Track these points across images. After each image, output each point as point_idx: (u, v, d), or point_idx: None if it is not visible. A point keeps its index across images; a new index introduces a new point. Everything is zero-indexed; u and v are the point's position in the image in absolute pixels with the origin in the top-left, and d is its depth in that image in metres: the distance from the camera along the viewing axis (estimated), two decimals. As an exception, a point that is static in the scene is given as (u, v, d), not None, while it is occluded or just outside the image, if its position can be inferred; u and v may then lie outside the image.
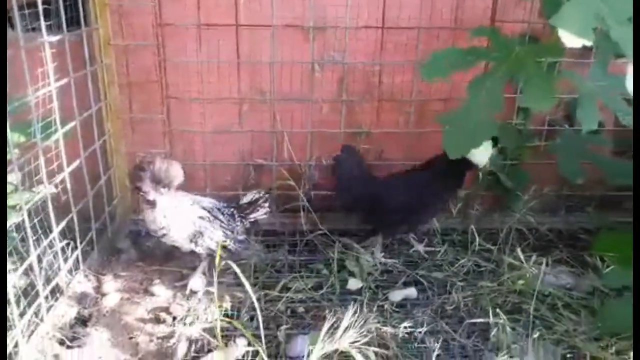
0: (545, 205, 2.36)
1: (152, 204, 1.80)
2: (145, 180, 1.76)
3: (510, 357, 1.59)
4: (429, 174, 2.06)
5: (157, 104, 2.20)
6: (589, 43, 1.43)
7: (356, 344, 1.45)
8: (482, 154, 1.98)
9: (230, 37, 2.13)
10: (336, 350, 1.45)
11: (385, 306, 1.85)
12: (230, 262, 1.50)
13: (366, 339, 1.48)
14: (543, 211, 2.34)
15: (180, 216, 1.86)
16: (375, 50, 2.18)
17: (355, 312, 1.49)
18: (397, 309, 1.85)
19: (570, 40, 1.42)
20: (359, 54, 2.18)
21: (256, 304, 1.53)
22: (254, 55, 2.15)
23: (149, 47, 2.11)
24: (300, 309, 1.86)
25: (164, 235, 1.87)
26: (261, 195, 2.09)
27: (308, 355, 1.44)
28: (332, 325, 1.46)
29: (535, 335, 1.66)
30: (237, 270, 1.47)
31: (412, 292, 1.94)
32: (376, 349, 1.50)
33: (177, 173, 1.81)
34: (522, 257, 1.89)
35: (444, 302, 1.88)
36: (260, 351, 1.52)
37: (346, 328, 1.44)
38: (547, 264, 1.92)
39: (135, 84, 2.18)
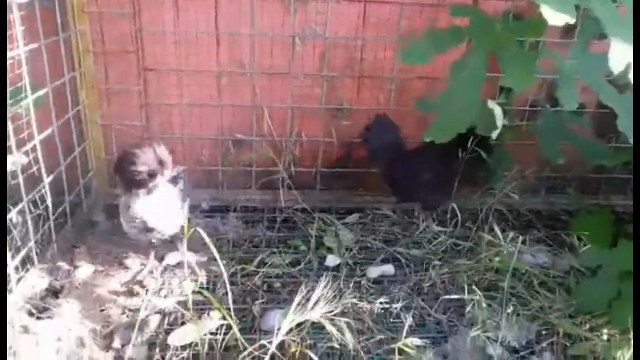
0: (526, 186, 2.36)
1: (150, 189, 1.69)
2: (146, 163, 1.64)
3: (484, 331, 1.59)
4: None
5: (133, 75, 2.14)
6: (571, 20, 1.41)
7: (328, 315, 1.44)
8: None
9: (209, 7, 2.07)
10: (307, 321, 1.44)
11: (362, 282, 1.84)
12: (203, 233, 1.46)
13: (338, 311, 1.47)
14: (524, 192, 2.34)
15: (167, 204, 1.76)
16: (358, 25, 2.14)
17: (327, 284, 1.48)
18: (373, 285, 1.85)
19: (553, 16, 1.39)
20: (340, 28, 2.14)
21: (226, 278, 1.50)
22: (233, 27, 2.10)
23: (126, 16, 2.05)
24: (277, 284, 1.85)
25: (150, 229, 1.74)
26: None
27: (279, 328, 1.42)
28: (304, 297, 1.45)
29: (509, 311, 1.66)
30: (208, 241, 1.44)
31: (389, 268, 1.93)
32: (349, 320, 1.49)
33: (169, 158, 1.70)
34: (499, 234, 1.89)
35: (421, 279, 1.88)
36: (233, 324, 1.50)
37: (317, 300, 1.43)
38: (524, 243, 1.92)
39: (111, 53, 2.11)
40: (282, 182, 2.23)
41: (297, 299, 1.43)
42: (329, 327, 1.40)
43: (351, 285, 1.81)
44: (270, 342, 1.44)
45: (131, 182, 1.67)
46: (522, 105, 2.26)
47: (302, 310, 1.42)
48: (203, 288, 1.77)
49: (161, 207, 1.73)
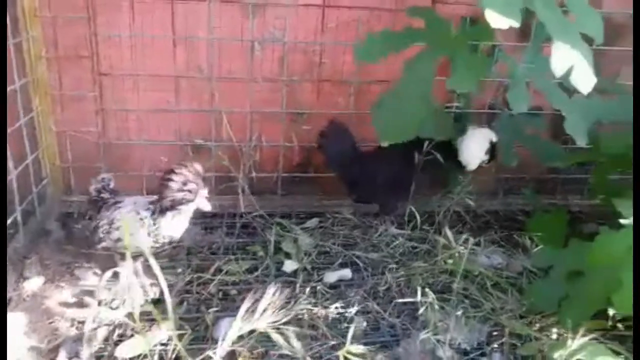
0: (484, 188, 2.40)
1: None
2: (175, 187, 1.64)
3: (435, 334, 1.60)
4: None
5: (88, 80, 2.10)
6: (515, 24, 1.43)
7: (276, 324, 1.43)
8: (473, 155, 2.05)
9: (165, 11, 2.05)
10: (254, 331, 1.43)
11: (319, 287, 1.84)
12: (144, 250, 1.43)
13: (286, 319, 1.46)
14: (482, 193, 2.37)
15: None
16: (317, 29, 2.14)
17: (275, 292, 1.47)
18: (330, 290, 1.84)
19: (497, 20, 1.41)
20: (299, 33, 2.13)
21: (163, 288, 1.46)
22: (190, 31, 2.08)
23: (80, 20, 2.01)
24: (233, 292, 1.83)
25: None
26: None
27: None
28: (252, 306, 1.44)
29: (460, 313, 1.68)
30: (147, 252, 1.40)
31: (346, 273, 1.93)
32: (296, 329, 1.49)
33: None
34: (450, 236, 1.90)
35: (378, 283, 1.88)
36: (174, 338, 1.47)
37: (265, 308, 1.42)
38: (479, 245, 1.94)
39: (65, 58, 2.07)
40: (242, 187, 2.22)
41: (244, 307, 1.42)
42: (275, 336, 1.39)
43: (307, 290, 1.81)
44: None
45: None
46: (481, 108, 2.29)
47: (249, 319, 1.40)
48: (155, 298, 1.75)
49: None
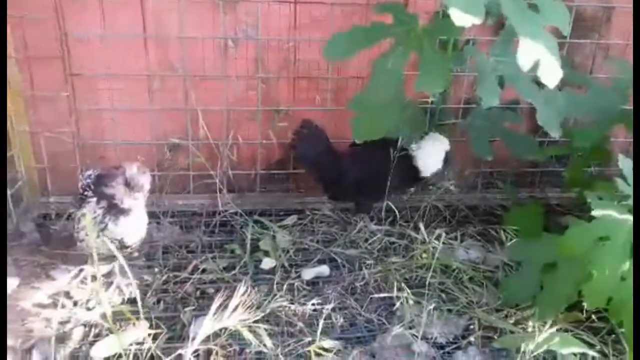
0: (463, 182, 2.41)
1: (125, 212, 1.68)
2: (117, 187, 1.65)
3: (411, 328, 1.61)
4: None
5: (60, 80, 2.08)
6: (478, 21, 1.43)
7: (247, 321, 1.43)
8: (430, 162, 2.05)
9: (135, 10, 2.03)
10: (225, 329, 1.43)
11: (296, 284, 1.84)
12: (108, 243, 1.42)
13: (262, 317, 1.46)
14: (461, 188, 2.38)
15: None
16: (290, 25, 2.13)
17: (246, 291, 1.47)
18: (308, 287, 1.84)
19: (460, 18, 1.41)
20: (273, 30, 2.12)
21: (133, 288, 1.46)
22: (162, 30, 2.06)
23: (49, 20, 1.99)
24: (210, 290, 1.82)
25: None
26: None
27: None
28: (223, 304, 1.43)
29: (434, 307, 1.68)
30: (115, 250, 1.40)
31: (324, 269, 1.93)
32: (272, 326, 1.49)
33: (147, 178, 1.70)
34: (424, 231, 1.91)
35: (355, 279, 1.89)
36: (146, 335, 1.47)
37: (236, 306, 1.41)
38: (456, 239, 1.95)
39: (36, 59, 2.05)
40: (220, 185, 2.21)
41: (215, 305, 1.41)
42: (247, 333, 1.39)
43: (284, 287, 1.81)
44: (196, 350, 1.43)
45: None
46: (457, 103, 2.29)
47: (220, 317, 1.40)
48: (132, 298, 1.74)
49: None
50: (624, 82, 1.93)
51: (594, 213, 1.50)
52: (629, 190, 1.56)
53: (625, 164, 1.56)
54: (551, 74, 1.47)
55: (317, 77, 2.21)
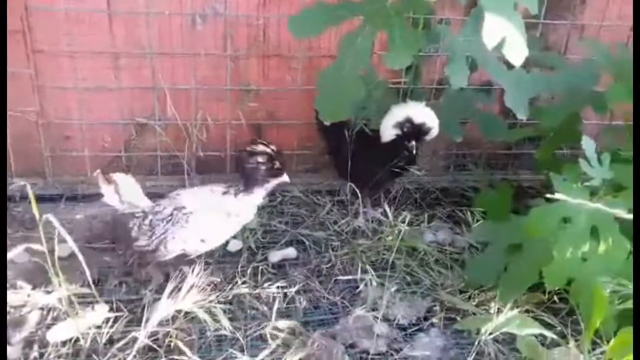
0: (435, 164, 2.39)
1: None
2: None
3: (373, 310, 1.60)
4: None
5: (22, 57, 2.01)
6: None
7: (204, 303, 1.41)
8: (385, 126, 1.95)
9: (99, -16, 1.96)
10: (180, 311, 1.41)
11: (260, 267, 1.82)
12: (56, 223, 1.38)
13: (216, 299, 1.45)
14: (433, 170, 2.37)
15: None
16: (259, 2, 2.08)
17: (199, 271, 1.45)
18: (273, 270, 1.83)
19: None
20: (241, 6, 2.07)
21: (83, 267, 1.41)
22: (127, 5, 2.00)
23: (8, -7, 1.92)
24: (174, 273, 1.80)
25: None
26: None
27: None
28: (177, 286, 1.42)
29: (396, 289, 1.68)
30: (63, 232, 1.36)
31: (291, 252, 1.92)
32: (230, 309, 1.47)
33: None
34: (389, 213, 1.90)
35: (322, 261, 1.88)
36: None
37: (190, 288, 1.40)
38: (422, 222, 1.94)
39: (-5, 34, 1.98)
40: (189, 167, 2.17)
41: (169, 288, 1.39)
42: (202, 315, 1.38)
43: (249, 271, 1.79)
44: (155, 333, 1.42)
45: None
46: (430, 84, 2.26)
47: (174, 300, 1.38)
48: (93, 281, 1.71)
49: None
50: (596, 63, 1.91)
51: (556, 195, 1.49)
52: (592, 172, 1.56)
53: (588, 144, 1.55)
54: (517, 52, 1.45)
55: (287, 55, 2.17)
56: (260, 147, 1.67)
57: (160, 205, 1.67)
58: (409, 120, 1.88)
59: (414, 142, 1.91)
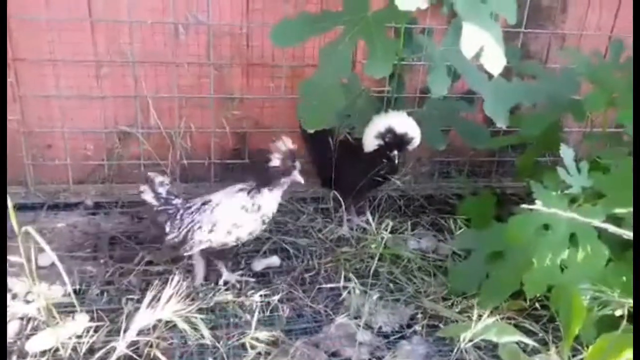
0: (419, 172, 2.41)
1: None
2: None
3: (356, 318, 1.60)
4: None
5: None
6: (423, 5, 1.41)
7: (184, 312, 1.40)
8: (367, 136, 1.93)
9: (80, -8, 1.96)
10: (160, 320, 1.40)
11: (244, 277, 1.81)
12: (35, 234, 1.37)
13: (196, 307, 1.44)
14: (417, 177, 2.38)
15: None
16: (242, 11, 2.09)
17: (179, 281, 1.44)
18: (257, 278, 1.82)
19: (403, 2, 1.39)
20: (224, 15, 2.08)
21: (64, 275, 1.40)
22: (109, 14, 2.00)
23: (-11, 2, 1.91)
24: (156, 282, 1.79)
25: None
26: None
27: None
28: (156, 295, 1.41)
29: (379, 297, 1.69)
30: (44, 244, 1.35)
31: (274, 260, 1.91)
32: (212, 318, 1.47)
33: None
34: (371, 221, 1.90)
35: (306, 269, 1.87)
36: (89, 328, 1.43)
37: (169, 297, 1.39)
38: (406, 230, 1.94)
39: (-24, 42, 1.97)
40: (172, 175, 2.17)
41: (149, 297, 1.38)
42: (181, 324, 1.37)
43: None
44: (135, 343, 1.40)
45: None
46: (413, 92, 2.28)
47: (154, 309, 1.37)
48: (75, 290, 1.70)
49: None
50: (575, 72, 1.94)
51: (536, 203, 1.50)
52: (570, 179, 1.58)
53: (566, 153, 1.57)
54: (495, 61, 1.47)
55: (271, 64, 2.18)
56: (282, 145, 1.67)
57: (192, 201, 1.73)
58: (390, 131, 1.87)
59: (396, 152, 1.90)
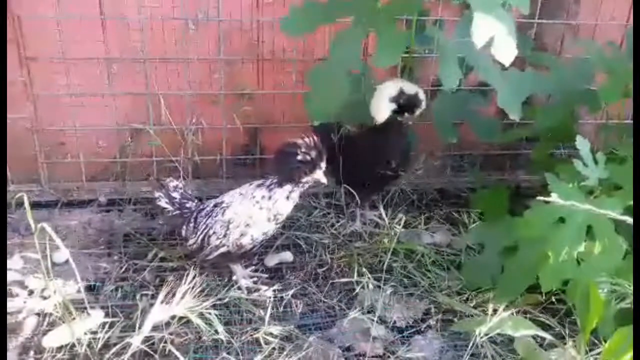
0: (433, 166, 2.39)
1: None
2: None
3: (369, 313, 1.60)
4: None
5: (15, 65, 2.01)
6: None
7: (199, 308, 1.40)
8: (378, 104, 1.85)
9: (91, -10, 1.97)
10: (174, 316, 1.40)
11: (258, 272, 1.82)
12: (49, 230, 1.38)
13: (210, 303, 1.44)
14: (430, 171, 2.37)
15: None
16: (252, 6, 2.08)
17: (194, 277, 1.44)
18: (270, 274, 1.82)
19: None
20: (235, 11, 2.07)
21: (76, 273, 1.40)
22: (119, 11, 2.00)
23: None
24: (170, 278, 1.80)
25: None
26: None
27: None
28: (170, 291, 1.41)
29: (392, 292, 1.68)
30: (57, 239, 1.36)
31: (287, 256, 1.91)
32: (226, 313, 1.47)
33: None
34: (384, 216, 1.89)
35: (319, 265, 1.87)
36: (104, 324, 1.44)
37: (184, 294, 1.39)
38: (420, 224, 1.93)
39: (-11, 42, 1.98)
40: (184, 172, 2.17)
41: (163, 293, 1.39)
42: (196, 320, 1.37)
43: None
44: (150, 338, 1.41)
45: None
46: (425, 84, 2.26)
47: (169, 305, 1.38)
48: (90, 286, 1.71)
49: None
50: (590, 62, 1.91)
51: (552, 195, 1.48)
52: (587, 171, 1.55)
53: (583, 144, 1.55)
54: (506, 51, 1.44)
55: (281, 59, 2.17)
56: (310, 141, 1.61)
57: (205, 204, 1.72)
58: (402, 93, 1.80)
59: (407, 115, 1.84)
